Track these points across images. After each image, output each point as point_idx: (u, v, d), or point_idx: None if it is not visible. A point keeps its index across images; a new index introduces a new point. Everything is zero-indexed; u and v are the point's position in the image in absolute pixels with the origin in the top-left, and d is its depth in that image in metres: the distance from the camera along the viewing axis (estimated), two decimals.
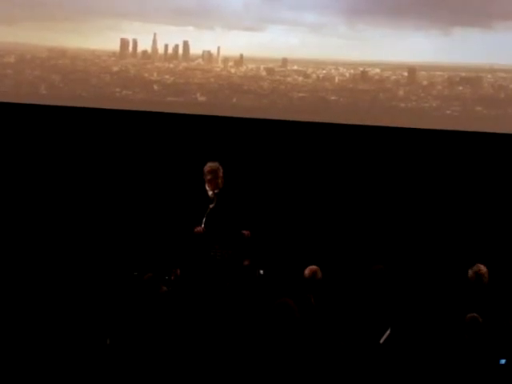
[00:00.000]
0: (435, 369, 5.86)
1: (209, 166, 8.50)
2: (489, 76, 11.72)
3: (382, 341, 5.81)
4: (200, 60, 11.81)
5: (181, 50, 11.75)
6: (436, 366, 5.93)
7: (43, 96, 11.43)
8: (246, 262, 8.20)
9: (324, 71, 11.84)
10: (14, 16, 11.08)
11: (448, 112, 11.60)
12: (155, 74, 11.78)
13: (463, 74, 11.74)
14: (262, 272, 8.57)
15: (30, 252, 9.79)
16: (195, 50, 11.75)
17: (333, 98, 11.72)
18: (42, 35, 11.24)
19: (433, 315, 6.84)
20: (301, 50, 11.48)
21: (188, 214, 8.46)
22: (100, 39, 11.37)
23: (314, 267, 8.25)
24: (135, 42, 11.73)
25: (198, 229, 8.37)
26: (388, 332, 5.63)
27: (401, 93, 11.76)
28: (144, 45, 11.72)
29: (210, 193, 8.51)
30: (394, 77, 11.83)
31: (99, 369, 5.99)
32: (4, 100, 11.16)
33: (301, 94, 11.72)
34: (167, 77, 11.77)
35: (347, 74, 11.85)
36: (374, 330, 5.71)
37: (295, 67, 11.82)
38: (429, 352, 5.84)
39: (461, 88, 11.76)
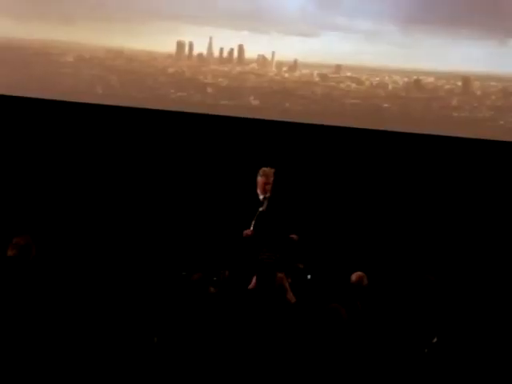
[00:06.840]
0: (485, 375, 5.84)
1: (263, 170, 8.60)
2: None
3: (427, 349, 5.81)
4: (254, 64, 11.86)
5: (236, 54, 11.81)
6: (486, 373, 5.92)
7: (99, 96, 11.58)
8: (301, 266, 8.27)
9: (377, 78, 11.83)
10: (74, 16, 11.25)
11: (501, 123, 11.52)
12: (209, 77, 11.87)
13: None
14: (309, 277, 8.61)
15: (79, 254, 9.88)
16: (250, 54, 11.80)
17: (385, 105, 11.71)
18: (101, 36, 11.38)
19: (483, 324, 6.82)
20: (355, 57, 11.48)
21: (238, 216, 8.55)
22: (157, 41, 11.48)
23: (360, 273, 8.28)
24: (191, 45, 11.82)
25: (247, 231, 8.45)
26: (435, 339, 5.64)
27: (454, 102, 11.70)
28: (200, 48, 11.80)
29: (261, 196, 8.58)
30: (447, 86, 11.77)
31: (146, 367, 6.07)
32: (62, 99, 11.32)
33: (353, 101, 11.72)
34: (221, 80, 11.84)
35: (400, 82, 11.83)
36: (421, 338, 5.73)
37: (349, 74, 11.83)
38: (476, 359, 5.83)
39: None
